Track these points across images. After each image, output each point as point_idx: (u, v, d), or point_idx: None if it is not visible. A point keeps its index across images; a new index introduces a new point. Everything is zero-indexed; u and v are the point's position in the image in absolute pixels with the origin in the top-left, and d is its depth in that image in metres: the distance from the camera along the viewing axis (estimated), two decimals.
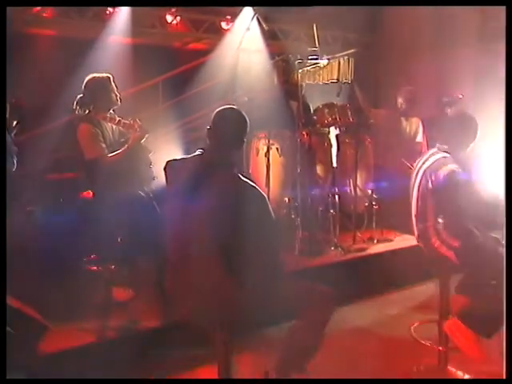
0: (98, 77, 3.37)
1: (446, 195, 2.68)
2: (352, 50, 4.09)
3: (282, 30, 6.67)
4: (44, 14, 5.76)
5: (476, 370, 2.94)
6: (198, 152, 2.19)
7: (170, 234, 2.18)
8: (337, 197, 4.44)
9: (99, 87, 3.36)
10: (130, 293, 3.67)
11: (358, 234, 4.65)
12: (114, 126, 3.50)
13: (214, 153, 2.15)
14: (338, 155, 4.55)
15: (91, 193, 3.54)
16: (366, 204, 4.74)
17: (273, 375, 2.22)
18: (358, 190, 4.64)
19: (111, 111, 3.44)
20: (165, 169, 2.23)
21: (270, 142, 4.08)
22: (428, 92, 6.20)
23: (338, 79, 4.15)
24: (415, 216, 2.86)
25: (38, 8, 5.48)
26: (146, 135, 3.40)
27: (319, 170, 4.43)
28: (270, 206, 2.15)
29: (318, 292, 2.27)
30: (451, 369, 2.95)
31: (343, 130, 4.67)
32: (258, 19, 4.20)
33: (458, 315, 2.77)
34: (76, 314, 3.30)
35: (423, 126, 5.27)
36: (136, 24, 5.70)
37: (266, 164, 4.01)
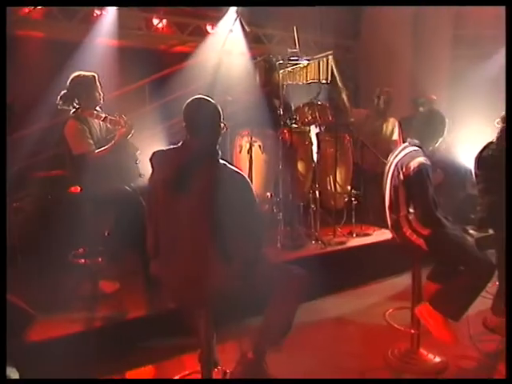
0: (83, 75, 3.44)
1: (416, 186, 2.79)
2: (330, 52, 4.19)
3: (265, 34, 6.79)
4: (32, 16, 5.80)
5: (446, 353, 3.05)
6: (180, 143, 2.27)
7: (159, 222, 2.24)
8: (317, 193, 4.55)
9: (83, 85, 3.42)
10: (116, 285, 3.73)
11: (338, 229, 4.74)
12: (102, 123, 3.56)
13: (194, 142, 2.23)
14: (318, 153, 4.64)
15: (79, 188, 3.57)
16: (346, 200, 4.85)
17: (251, 354, 2.30)
18: (337, 186, 4.75)
19: (97, 109, 3.51)
20: (151, 159, 2.30)
21: (253, 139, 4.16)
22: (405, 93, 6.37)
23: (317, 79, 4.26)
24: (388, 207, 2.97)
25: (27, 10, 5.54)
26: (132, 131, 3.46)
27: (300, 166, 4.51)
28: (253, 189, 2.23)
29: (295, 274, 2.36)
30: (423, 351, 3.06)
31: (323, 129, 4.78)
32: (240, 22, 4.26)
33: (428, 300, 2.88)
34: (63, 304, 3.34)
35: (399, 126, 5.41)
36: (123, 26, 5.76)
37: (249, 160, 4.09)
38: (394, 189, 2.89)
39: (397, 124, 5.40)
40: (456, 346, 3.01)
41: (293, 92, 4.55)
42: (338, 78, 4.48)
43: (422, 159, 2.78)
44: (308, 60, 4.26)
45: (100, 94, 3.49)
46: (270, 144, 4.27)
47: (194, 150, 2.19)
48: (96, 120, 3.49)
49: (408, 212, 2.85)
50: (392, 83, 6.21)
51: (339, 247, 4.44)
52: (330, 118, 4.45)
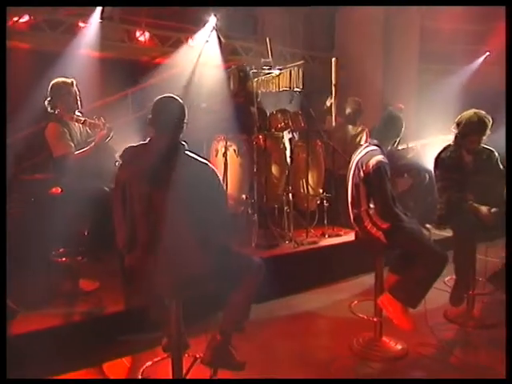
0: (62, 81, 3.53)
1: (375, 182, 2.92)
2: (301, 62, 4.35)
3: (243, 47, 6.95)
4: (18, 27, 5.87)
5: (407, 340, 3.18)
6: (148, 140, 2.36)
7: (134, 215, 2.31)
8: (291, 195, 4.65)
9: (62, 90, 3.50)
10: (96, 284, 3.78)
11: (311, 230, 4.85)
12: (81, 127, 3.64)
13: (161, 138, 2.32)
14: (291, 157, 4.76)
15: (59, 189, 3.63)
16: (318, 202, 4.97)
17: (218, 336, 2.39)
18: (310, 189, 4.88)
19: (78, 113, 3.59)
20: (121, 156, 2.38)
21: (228, 143, 4.27)
22: (376, 102, 6.57)
23: (289, 87, 4.40)
24: (351, 202, 3.09)
25: (13, 20, 5.59)
26: (112, 133, 3.54)
27: (274, 170, 4.63)
28: (219, 177, 2.32)
29: (255, 263, 2.47)
30: (385, 339, 3.18)
31: (297, 135, 4.91)
32: (217, 33, 4.39)
33: (388, 290, 3.00)
34: (44, 301, 3.38)
35: (368, 133, 5.60)
36: (106, 38, 5.87)
37: (224, 163, 4.20)
38: (356, 185, 3.02)
39: (366, 131, 5.57)
40: (416, 334, 3.16)
41: (267, 99, 4.68)
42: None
43: (380, 157, 2.92)
44: (280, 69, 4.40)
45: (77, 99, 3.57)
46: (244, 148, 4.38)
47: (161, 145, 2.28)
48: (76, 123, 3.57)
49: (368, 207, 2.98)
50: (363, 93, 6.42)
51: (311, 247, 4.53)
52: (302, 125, 4.59)
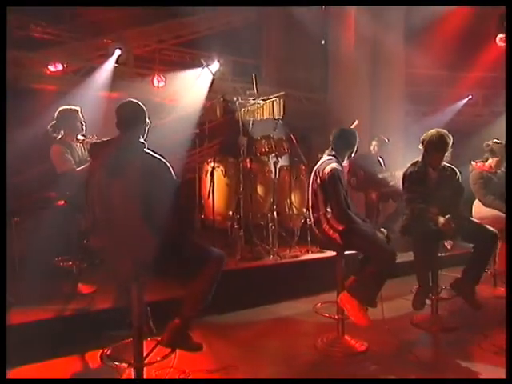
0: (68, 108, 3.76)
1: (330, 188, 3.00)
2: (282, 93, 4.52)
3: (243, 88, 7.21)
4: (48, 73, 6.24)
5: (366, 338, 3.15)
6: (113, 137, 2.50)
7: (95, 202, 2.42)
8: (275, 213, 4.72)
9: (67, 116, 3.73)
10: (93, 287, 3.87)
11: (296, 247, 4.88)
12: (84, 147, 3.84)
13: (123, 136, 2.46)
14: (277, 179, 4.85)
15: (63, 201, 3.78)
16: (303, 221, 5.02)
17: (177, 320, 2.43)
18: (294, 208, 4.94)
19: (80, 136, 3.78)
20: (89, 150, 2.53)
21: (216, 165, 4.42)
22: (363, 135, 6.65)
23: (271, 116, 4.56)
24: (311, 207, 3.16)
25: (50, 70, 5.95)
26: None
27: (260, 190, 4.73)
28: (172, 172, 2.40)
29: (215, 254, 2.52)
30: (347, 338, 3.15)
31: (281, 159, 5.01)
32: (208, 69, 4.62)
33: (347, 289, 3.00)
34: (45, 299, 3.48)
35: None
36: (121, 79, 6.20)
37: (210, 182, 4.33)
38: (314, 192, 3.10)
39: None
40: (378, 333, 3.13)
41: (256, 127, 4.83)
42: None
43: (334, 165, 3.01)
44: (264, 100, 4.58)
45: (82, 124, 3.78)
46: (231, 169, 4.50)
47: (122, 142, 2.42)
48: (78, 144, 3.77)
49: (326, 211, 3.04)
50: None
51: (292, 260, 4.56)
52: (285, 150, 4.71)
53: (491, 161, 4.57)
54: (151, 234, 2.30)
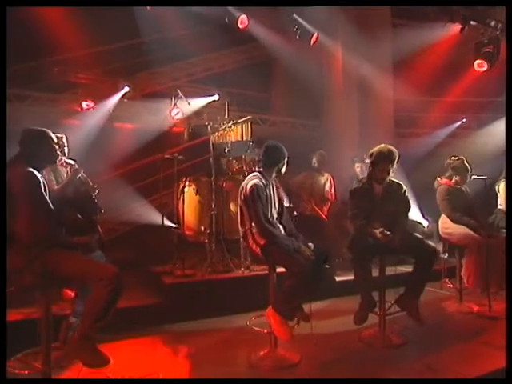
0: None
1: (249, 203, 2.70)
2: (249, 117, 4.29)
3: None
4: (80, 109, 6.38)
5: (299, 351, 2.77)
6: None
7: None
8: None
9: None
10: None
11: None
12: (68, 170, 3.78)
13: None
14: None
15: None
16: None
17: (76, 335, 2.23)
18: None
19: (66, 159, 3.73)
20: None
21: (188, 183, 4.24)
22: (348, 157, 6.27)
23: (240, 139, 4.33)
24: (240, 222, 2.86)
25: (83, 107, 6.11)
26: (81, 171, 3.65)
27: (233, 207, 4.45)
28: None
29: (108, 271, 2.28)
30: (280, 350, 2.81)
31: None
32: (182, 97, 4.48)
33: (271, 304, 2.66)
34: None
35: (332, 179, 5.33)
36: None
37: (182, 199, 4.13)
38: (240, 207, 2.83)
39: (330, 178, 5.31)
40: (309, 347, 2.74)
41: (232, 148, 4.57)
42: None
43: (254, 181, 2.72)
44: (234, 124, 4.37)
45: (66, 149, 3.75)
46: (203, 188, 4.29)
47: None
48: (61, 166, 3.72)
49: (251, 226, 2.74)
50: (342, 148, 6.27)
51: (259, 273, 4.18)
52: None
53: (456, 177, 4.07)
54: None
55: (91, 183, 4.04)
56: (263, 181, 2.75)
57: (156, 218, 4.76)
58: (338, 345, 3.06)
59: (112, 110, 5.95)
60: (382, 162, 3.11)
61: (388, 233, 2.94)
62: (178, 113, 6.47)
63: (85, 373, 2.38)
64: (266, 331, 2.77)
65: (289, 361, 2.74)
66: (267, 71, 8.79)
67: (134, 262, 5.10)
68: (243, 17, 6.07)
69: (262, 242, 2.65)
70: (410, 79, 7.24)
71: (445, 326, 3.53)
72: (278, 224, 2.83)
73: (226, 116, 4.41)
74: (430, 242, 3.06)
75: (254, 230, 2.71)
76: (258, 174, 2.82)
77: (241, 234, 2.88)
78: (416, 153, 6.93)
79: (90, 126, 6.25)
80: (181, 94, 4.40)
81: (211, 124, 4.32)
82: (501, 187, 4.63)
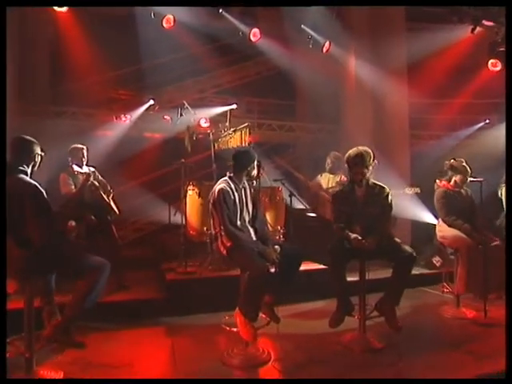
0: (75, 146, 3.92)
1: (215, 207, 2.60)
2: (246, 124, 4.19)
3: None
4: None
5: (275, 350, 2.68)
6: None
7: None
8: None
9: (75, 151, 3.89)
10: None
11: None
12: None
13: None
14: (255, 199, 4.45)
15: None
16: (277, 237, 4.53)
17: (60, 319, 2.32)
18: (269, 226, 4.48)
19: (85, 167, 3.89)
20: None
21: (192, 187, 4.22)
22: None
23: (240, 145, 4.23)
24: (212, 225, 2.77)
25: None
26: (91, 179, 3.77)
27: None
28: (44, 194, 2.27)
29: (98, 263, 2.32)
30: (252, 350, 2.69)
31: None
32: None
33: (238, 305, 2.54)
34: None
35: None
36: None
37: (184, 202, 4.12)
38: (210, 211, 2.72)
39: (342, 177, 5.07)
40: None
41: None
42: None
43: (221, 186, 2.62)
44: (234, 131, 4.28)
45: (85, 158, 3.91)
46: (205, 191, 4.22)
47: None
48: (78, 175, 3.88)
49: (220, 229, 2.63)
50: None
51: None
52: (260, 174, 4.30)
53: (455, 178, 3.71)
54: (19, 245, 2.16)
55: (109, 187, 4.20)
56: (232, 185, 2.66)
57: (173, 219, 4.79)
58: (316, 346, 2.89)
59: (139, 120, 6.10)
60: (355, 165, 2.90)
61: (360, 238, 2.71)
62: (206, 122, 6.56)
63: (68, 357, 2.45)
64: (235, 330, 2.66)
65: (259, 359, 2.61)
66: (288, 80, 8.64)
67: (151, 258, 5.22)
68: (255, 30, 6.02)
69: (228, 245, 2.56)
70: (426, 81, 6.75)
71: (433, 331, 3.23)
72: (250, 227, 2.72)
73: (228, 123, 4.34)
74: (406, 247, 2.78)
75: (222, 233, 2.62)
76: (227, 178, 2.73)
77: (213, 236, 2.80)
78: (433, 154, 6.44)
79: (121, 136, 6.52)
80: (187, 105, 4.36)
81: (212, 131, 4.28)
82: (503, 192, 4.19)
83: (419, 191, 4.88)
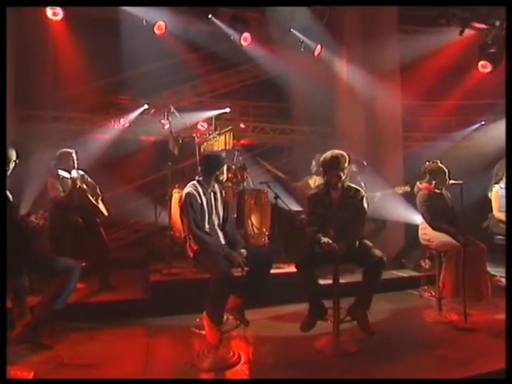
0: (65, 150, 3.92)
1: (184, 210, 2.58)
2: (229, 128, 4.16)
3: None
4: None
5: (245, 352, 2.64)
6: None
7: None
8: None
9: (64, 155, 3.88)
10: None
11: None
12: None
13: None
14: (240, 203, 4.43)
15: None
16: (263, 240, 4.49)
17: (29, 318, 2.31)
18: (255, 228, 4.45)
19: (74, 171, 3.84)
20: None
21: (176, 190, 4.20)
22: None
23: (224, 148, 4.21)
24: (182, 229, 2.74)
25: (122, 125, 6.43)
26: (78, 184, 3.77)
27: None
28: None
29: (66, 266, 2.32)
30: (222, 352, 2.63)
31: (244, 184, 4.58)
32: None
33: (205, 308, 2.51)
34: None
35: None
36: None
37: (169, 205, 4.10)
38: (180, 214, 2.68)
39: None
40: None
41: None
42: None
43: (187, 190, 2.60)
44: (218, 134, 4.26)
45: (75, 162, 3.89)
46: None
47: None
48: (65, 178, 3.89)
49: (188, 232, 2.60)
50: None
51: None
52: (241, 177, 4.30)
53: (435, 180, 3.63)
54: None
55: (98, 190, 4.21)
56: (199, 189, 2.62)
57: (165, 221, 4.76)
58: (289, 349, 2.82)
59: (135, 124, 6.12)
60: (330, 168, 2.84)
61: (331, 242, 2.66)
62: (202, 126, 6.56)
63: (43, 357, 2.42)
64: (203, 332, 2.62)
65: (228, 362, 2.56)
66: (284, 83, 8.60)
67: (142, 259, 5.22)
68: (246, 35, 5.99)
69: (195, 248, 2.53)
70: (419, 83, 6.65)
71: (411, 335, 3.13)
72: (219, 230, 2.68)
73: (213, 127, 4.32)
74: (376, 251, 2.71)
75: (190, 236, 2.59)
76: (195, 182, 2.70)
77: (182, 239, 2.77)
78: (427, 156, 6.34)
79: (116, 139, 6.55)
80: (173, 109, 4.35)
81: (197, 135, 4.26)
82: (493, 193, 4.07)
83: (409, 189, 4.77)
